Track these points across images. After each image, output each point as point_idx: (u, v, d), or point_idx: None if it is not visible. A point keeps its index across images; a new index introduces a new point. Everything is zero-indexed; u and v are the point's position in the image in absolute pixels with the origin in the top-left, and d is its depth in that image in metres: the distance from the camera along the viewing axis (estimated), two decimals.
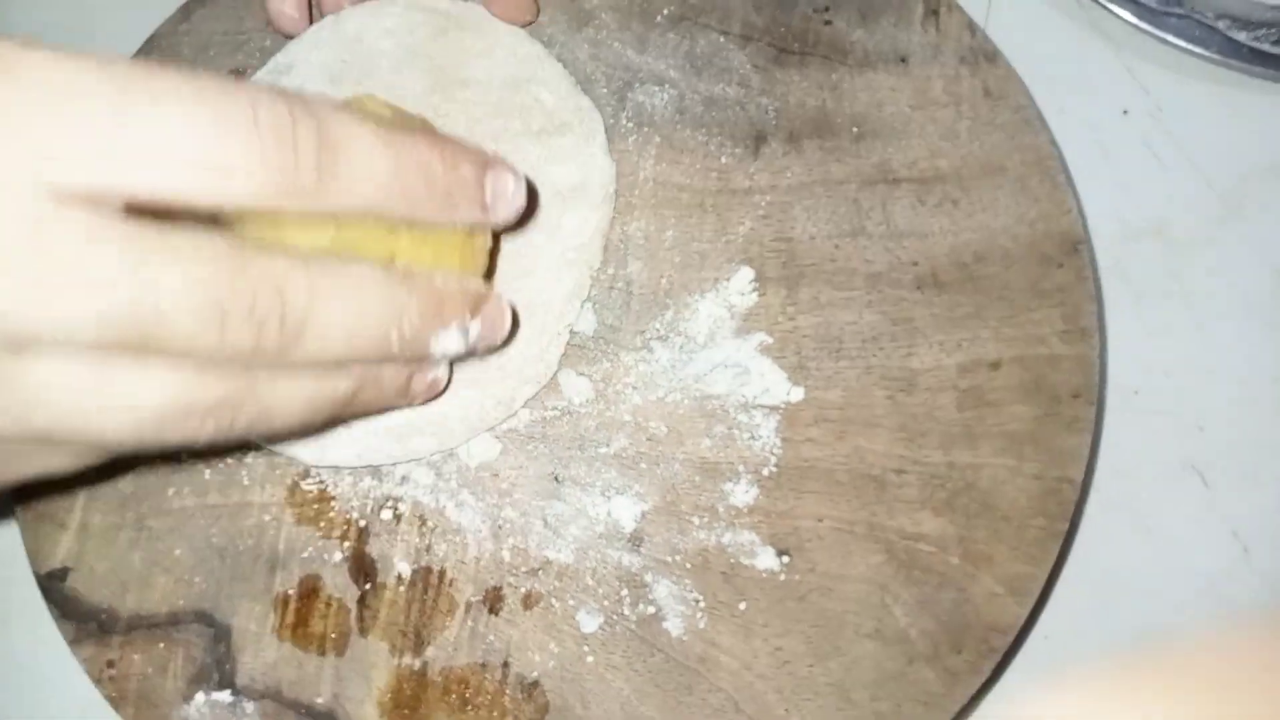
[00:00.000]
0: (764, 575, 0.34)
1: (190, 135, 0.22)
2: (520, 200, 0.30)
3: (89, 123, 0.22)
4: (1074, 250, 0.37)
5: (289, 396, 0.27)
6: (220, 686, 0.35)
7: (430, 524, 0.36)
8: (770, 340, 0.36)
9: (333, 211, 0.25)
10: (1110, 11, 0.44)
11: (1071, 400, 0.35)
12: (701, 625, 0.34)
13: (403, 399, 0.33)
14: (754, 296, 0.37)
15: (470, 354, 0.32)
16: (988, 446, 0.35)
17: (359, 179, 0.25)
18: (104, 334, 0.22)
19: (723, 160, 0.39)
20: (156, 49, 0.43)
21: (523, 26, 0.40)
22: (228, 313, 0.23)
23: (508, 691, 0.34)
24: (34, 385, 0.22)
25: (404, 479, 0.36)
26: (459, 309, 0.30)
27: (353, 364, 0.28)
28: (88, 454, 0.26)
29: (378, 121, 0.26)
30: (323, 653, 0.35)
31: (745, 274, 0.37)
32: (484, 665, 0.34)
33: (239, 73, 0.41)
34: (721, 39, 0.40)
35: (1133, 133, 0.44)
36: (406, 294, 0.28)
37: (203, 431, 0.25)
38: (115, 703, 0.35)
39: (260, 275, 0.24)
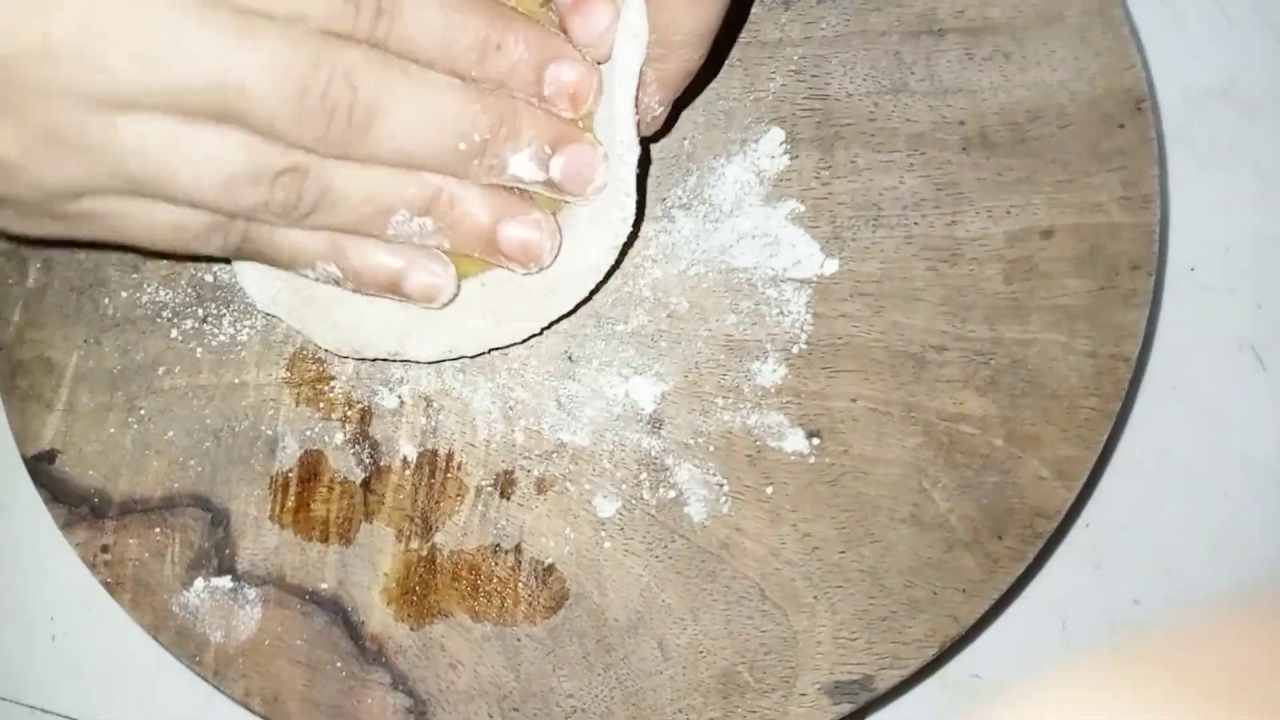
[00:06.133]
0: (792, 458, 0.32)
1: None
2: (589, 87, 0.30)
3: None
4: (1137, 109, 0.33)
5: (354, 184, 0.29)
6: (220, 572, 0.33)
7: (436, 405, 0.34)
8: (802, 208, 0.34)
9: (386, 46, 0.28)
10: None
11: (1130, 272, 0.32)
12: (725, 510, 0.32)
13: (491, 250, 0.31)
14: (785, 160, 0.34)
15: (559, 195, 0.30)
16: (1037, 321, 0.32)
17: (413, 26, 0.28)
18: (195, 100, 0.26)
19: (752, 9, 0.35)
20: None
21: None
22: (305, 92, 0.26)
23: (521, 578, 0.32)
24: (132, 137, 0.26)
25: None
26: (536, 131, 0.30)
27: (425, 171, 0.29)
28: (172, 231, 0.29)
29: None
30: (326, 539, 0.33)
31: (775, 135, 0.34)
32: (495, 550, 0.33)
33: None
34: None
35: None
36: (478, 102, 0.29)
37: (273, 199, 0.28)
38: (112, 589, 0.33)
39: (336, 63, 0.26)
